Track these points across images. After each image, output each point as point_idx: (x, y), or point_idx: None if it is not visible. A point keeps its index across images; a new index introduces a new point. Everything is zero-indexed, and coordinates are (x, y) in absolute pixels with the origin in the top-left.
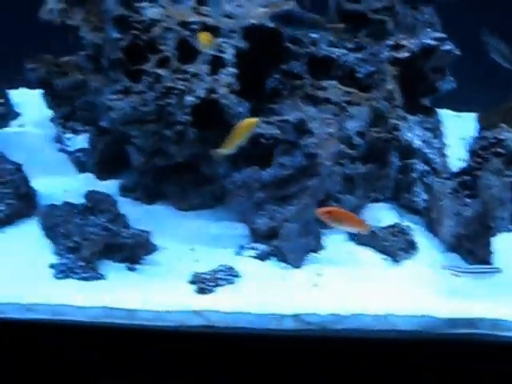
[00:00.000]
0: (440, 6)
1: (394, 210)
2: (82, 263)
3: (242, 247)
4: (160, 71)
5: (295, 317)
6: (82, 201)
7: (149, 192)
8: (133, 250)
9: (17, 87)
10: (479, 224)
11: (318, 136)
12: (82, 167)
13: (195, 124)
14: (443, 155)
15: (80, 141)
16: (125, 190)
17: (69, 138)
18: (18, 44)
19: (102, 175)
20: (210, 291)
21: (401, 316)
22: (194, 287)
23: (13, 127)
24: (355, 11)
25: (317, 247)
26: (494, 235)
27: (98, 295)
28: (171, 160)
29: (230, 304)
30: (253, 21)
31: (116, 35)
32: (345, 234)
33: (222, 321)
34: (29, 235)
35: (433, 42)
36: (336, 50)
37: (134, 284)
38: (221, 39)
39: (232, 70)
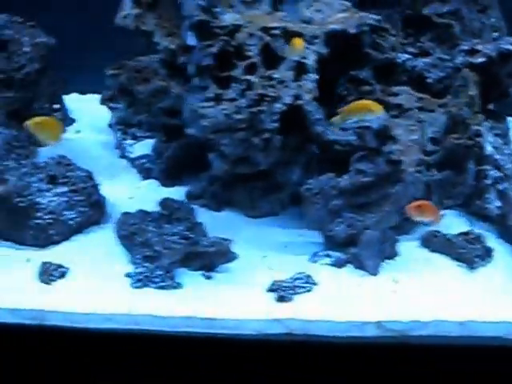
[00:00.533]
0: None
1: (463, 217)
2: (161, 272)
3: (315, 255)
4: (251, 78)
5: (377, 324)
6: (151, 208)
7: (217, 199)
8: (212, 259)
9: (68, 92)
10: None
11: (402, 143)
12: (145, 174)
13: (281, 131)
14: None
15: (142, 147)
16: (191, 197)
17: (130, 145)
18: (80, 47)
19: (167, 182)
20: (290, 299)
21: (482, 322)
22: (273, 295)
23: (69, 133)
24: (420, 15)
25: (392, 254)
26: None
27: (177, 304)
28: (256, 168)
29: (310, 312)
30: (335, 26)
31: (203, 41)
32: (417, 240)
33: (303, 328)
34: (100, 244)
35: (511, 47)
36: (401, 55)
37: (212, 292)
38: (305, 45)
39: (314, 76)
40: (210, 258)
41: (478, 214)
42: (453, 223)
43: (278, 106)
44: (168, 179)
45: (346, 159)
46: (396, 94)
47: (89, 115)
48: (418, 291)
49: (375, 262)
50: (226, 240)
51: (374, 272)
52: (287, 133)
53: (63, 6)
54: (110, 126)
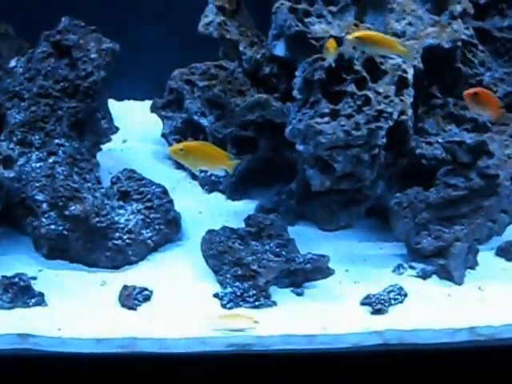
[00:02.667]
0: None
1: None
2: (254, 291)
3: (399, 266)
4: (368, 93)
5: (470, 330)
6: (222, 221)
7: (291, 213)
8: (308, 275)
9: (121, 99)
10: None
11: (497, 157)
12: (211, 186)
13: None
14: None
15: None
16: (262, 211)
17: None
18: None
19: (235, 195)
20: (386, 311)
21: None
22: (367, 308)
23: (115, 143)
24: (481, 28)
25: (474, 264)
26: None
27: (273, 322)
28: (361, 183)
29: (406, 322)
30: (431, 41)
31: (300, 53)
32: (492, 249)
33: (400, 338)
34: (179, 262)
35: None
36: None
37: (306, 309)
38: (400, 59)
39: (412, 91)
40: (305, 275)
41: None
42: None
43: (390, 123)
44: (235, 193)
45: (429, 173)
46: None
47: (133, 123)
48: (504, 297)
49: (461, 272)
50: (323, 256)
51: (459, 282)
52: (388, 148)
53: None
54: (164, 135)
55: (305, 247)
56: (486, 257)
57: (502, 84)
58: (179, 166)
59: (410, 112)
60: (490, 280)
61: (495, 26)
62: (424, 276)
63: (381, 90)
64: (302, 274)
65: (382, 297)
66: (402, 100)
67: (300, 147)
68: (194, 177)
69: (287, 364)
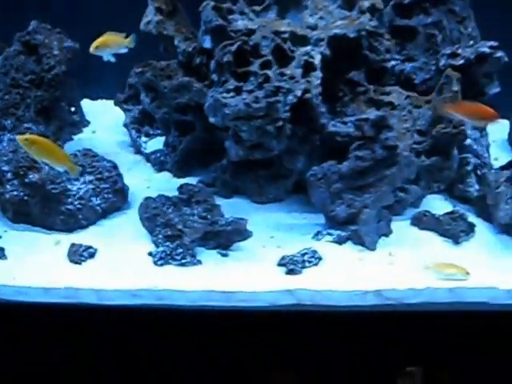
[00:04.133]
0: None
1: (446, 200)
2: (182, 250)
3: (318, 233)
4: (267, 72)
5: (377, 292)
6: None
7: (227, 187)
8: (229, 237)
9: (95, 98)
10: None
11: (396, 130)
12: (160, 166)
13: (291, 121)
14: (489, 153)
15: (155, 143)
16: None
17: (144, 142)
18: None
19: (180, 173)
20: (299, 272)
21: (470, 288)
22: (283, 269)
23: (86, 134)
24: (406, 26)
25: (387, 231)
26: None
27: (197, 280)
28: (269, 153)
29: (318, 283)
30: (337, 31)
31: (218, 42)
32: (408, 219)
33: (312, 299)
34: (124, 227)
35: (487, 50)
36: (392, 61)
37: (229, 268)
38: (309, 47)
39: (319, 74)
40: (227, 237)
41: (460, 197)
42: (438, 206)
43: (290, 98)
44: (180, 171)
45: (344, 149)
46: (387, 93)
47: (103, 117)
48: (412, 262)
49: (373, 238)
50: (242, 219)
51: (372, 247)
52: (296, 123)
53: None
54: (126, 125)
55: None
56: (402, 226)
57: (421, 72)
58: (137, 151)
59: (315, 91)
60: (401, 246)
61: (420, 23)
62: (339, 241)
63: (287, 72)
64: (225, 236)
65: (295, 258)
66: (307, 81)
67: (212, 119)
68: (150, 160)
69: (208, 318)
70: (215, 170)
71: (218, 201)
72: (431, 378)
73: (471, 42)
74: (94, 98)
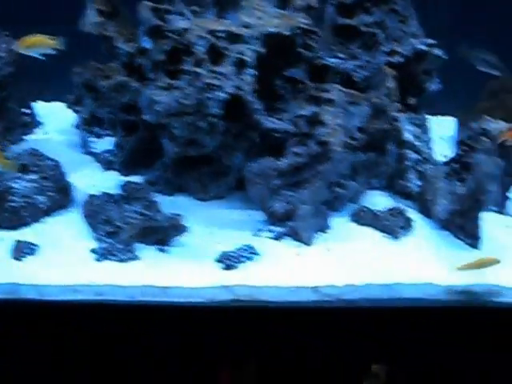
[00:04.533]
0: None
1: (389, 196)
2: (121, 246)
3: (259, 230)
4: (198, 70)
5: (313, 289)
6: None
7: (170, 185)
8: (165, 232)
9: (48, 100)
10: (471, 199)
11: (329, 126)
12: (107, 166)
13: (224, 117)
14: (430, 148)
15: (105, 143)
16: (148, 184)
17: (94, 142)
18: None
19: (127, 172)
20: (236, 267)
21: (406, 284)
22: (220, 264)
23: (37, 135)
24: (348, 25)
25: (325, 227)
26: (483, 210)
27: (135, 275)
28: (203, 149)
29: (254, 279)
30: (271, 29)
31: (155, 42)
32: (347, 216)
33: (249, 294)
34: (68, 224)
35: (424, 47)
36: (334, 59)
37: (166, 264)
38: (244, 45)
39: (253, 71)
40: (165, 232)
41: (401, 193)
42: (379, 202)
43: (222, 95)
44: (127, 170)
45: (282, 145)
46: (327, 91)
47: (55, 119)
48: (349, 258)
49: (310, 234)
50: (178, 215)
51: (309, 243)
52: (230, 120)
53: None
54: (77, 126)
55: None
56: (341, 222)
57: (362, 70)
58: (87, 152)
59: (248, 88)
60: (338, 242)
61: (362, 22)
62: (278, 238)
63: (220, 70)
64: (163, 232)
65: (232, 254)
66: (240, 78)
67: (146, 117)
68: (99, 159)
69: (146, 313)
70: (158, 169)
71: (162, 198)
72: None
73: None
74: (48, 100)
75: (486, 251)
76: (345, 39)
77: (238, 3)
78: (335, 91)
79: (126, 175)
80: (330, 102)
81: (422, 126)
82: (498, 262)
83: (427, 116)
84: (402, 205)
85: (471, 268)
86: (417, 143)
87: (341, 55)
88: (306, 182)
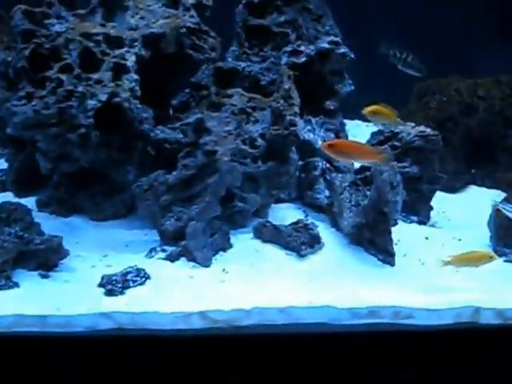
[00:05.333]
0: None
1: (299, 209)
2: None
3: (152, 250)
4: (61, 76)
5: (201, 314)
6: None
7: (64, 205)
8: (46, 256)
9: None
10: (375, 211)
11: (215, 134)
12: (2, 187)
13: (99, 127)
14: None
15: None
16: (41, 205)
17: None
18: None
19: (21, 193)
20: (120, 293)
21: (305, 308)
22: (103, 290)
23: None
24: (260, 26)
25: (225, 246)
26: (391, 222)
27: (11, 304)
28: (76, 164)
29: (139, 304)
30: (153, 30)
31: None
32: (251, 232)
33: (131, 322)
34: None
35: (327, 46)
36: (242, 62)
37: (46, 290)
38: (124, 49)
39: (134, 76)
40: (43, 256)
41: (311, 205)
42: (289, 215)
43: (92, 103)
44: (21, 190)
45: (175, 157)
46: (229, 96)
47: None
48: (246, 280)
49: (206, 254)
50: (56, 237)
51: (205, 264)
52: (109, 131)
53: None
54: None
55: (72, 237)
56: (244, 239)
57: (269, 73)
58: None
59: (126, 95)
60: (239, 262)
61: (274, 22)
62: (171, 258)
63: (93, 76)
64: (42, 255)
65: (117, 278)
66: (117, 84)
67: (8, 130)
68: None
69: (20, 345)
70: (50, 188)
71: (54, 221)
72: None
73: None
74: None
75: (400, 269)
76: (259, 41)
77: (124, 3)
78: (238, 96)
79: (20, 196)
80: (232, 107)
81: (338, 132)
82: (493, 258)
83: (364, 123)
84: (311, 218)
85: (460, 263)
86: None
87: (254, 58)
88: (197, 196)
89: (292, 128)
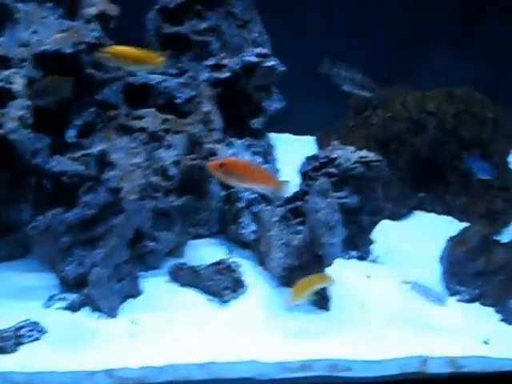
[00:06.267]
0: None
1: (222, 245)
2: None
3: (51, 298)
4: None
5: (107, 372)
6: None
7: None
8: None
9: None
10: (308, 253)
11: (121, 168)
12: None
13: None
14: None
15: None
16: None
17: None
18: None
19: None
20: (13, 350)
21: (226, 363)
22: None
23: None
24: (177, 34)
25: (135, 292)
26: (327, 264)
27: None
28: None
29: (35, 362)
30: (47, 47)
31: None
32: (166, 274)
33: (26, 383)
34: None
35: (254, 59)
36: (156, 76)
37: None
38: (12, 70)
39: (24, 102)
40: None
41: (236, 241)
42: (210, 253)
43: None
44: None
45: (75, 192)
46: (141, 117)
47: None
48: (159, 332)
49: (112, 303)
50: None
51: (111, 313)
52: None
53: None
54: None
55: None
56: (158, 282)
57: (186, 89)
58: None
59: (13, 125)
60: (151, 310)
61: (193, 29)
62: (72, 308)
63: None
64: None
65: (7, 333)
66: (2, 114)
67: None
68: None
69: None
70: None
71: None
72: None
73: (257, 50)
74: None
75: (337, 314)
76: (177, 51)
77: (14, 16)
78: (150, 118)
79: None
80: (143, 131)
81: (266, 155)
82: (332, 281)
83: (294, 136)
84: (235, 256)
85: (304, 293)
86: None
87: (171, 70)
88: (102, 238)
89: (212, 158)
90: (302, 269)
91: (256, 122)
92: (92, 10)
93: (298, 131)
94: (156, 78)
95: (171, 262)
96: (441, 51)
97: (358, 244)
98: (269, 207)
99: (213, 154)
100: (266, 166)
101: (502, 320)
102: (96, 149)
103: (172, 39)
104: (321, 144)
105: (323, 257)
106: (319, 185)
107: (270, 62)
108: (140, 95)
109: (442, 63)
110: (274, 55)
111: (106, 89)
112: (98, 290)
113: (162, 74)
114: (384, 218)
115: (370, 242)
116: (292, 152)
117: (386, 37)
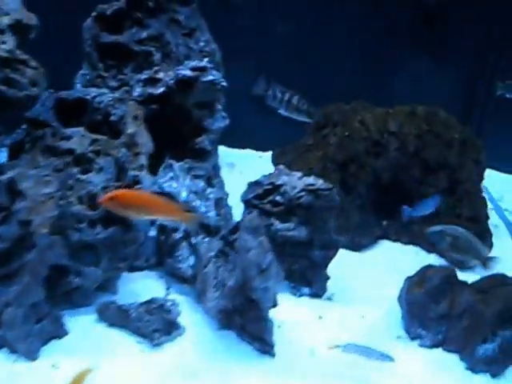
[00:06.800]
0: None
1: (161, 278)
2: None
3: None
4: None
5: None
6: None
7: None
8: None
9: None
10: (241, 296)
11: (31, 198)
12: None
13: None
14: (222, 207)
15: None
16: None
17: None
18: None
19: None
20: None
21: None
22: None
23: None
24: (116, 43)
25: (59, 332)
26: (263, 309)
27: None
28: None
29: None
30: None
31: None
32: (95, 314)
33: None
34: None
35: (189, 73)
36: (92, 90)
37: None
38: None
39: None
40: None
41: (174, 275)
42: (145, 288)
43: None
44: None
45: None
46: (69, 138)
47: None
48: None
49: (31, 345)
50: None
51: (31, 356)
52: None
53: None
54: None
55: None
56: (85, 322)
57: (122, 105)
58: None
59: None
60: (71, 354)
61: (133, 38)
62: None
63: None
64: None
65: None
66: None
67: None
68: None
69: None
70: None
71: None
72: None
73: (205, 60)
74: None
75: (283, 361)
76: (117, 62)
77: None
78: (78, 138)
79: None
80: (70, 153)
81: (211, 178)
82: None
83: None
84: (173, 291)
85: None
86: (197, 203)
87: (112, 82)
88: (16, 274)
89: (136, 187)
90: (237, 312)
91: (200, 142)
92: (6, 20)
93: (260, 147)
94: (91, 92)
95: (102, 299)
96: (409, 63)
97: (311, 280)
98: (207, 239)
99: (137, 182)
100: (209, 191)
101: (468, 369)
102: (6, 176)
103: (111, 49)
104: (277, 165)
105: (257, 301)
106: (249, 221)
107: (209, 77)
108: (74, 111)
109: (414, 75)
110: (228, 66)
111: (38, 103)
112: (12, 331)
113: (102, 87)
114: (344, 248)
115: (326, 277)
116: (251, 170)
117: (347, 49)
